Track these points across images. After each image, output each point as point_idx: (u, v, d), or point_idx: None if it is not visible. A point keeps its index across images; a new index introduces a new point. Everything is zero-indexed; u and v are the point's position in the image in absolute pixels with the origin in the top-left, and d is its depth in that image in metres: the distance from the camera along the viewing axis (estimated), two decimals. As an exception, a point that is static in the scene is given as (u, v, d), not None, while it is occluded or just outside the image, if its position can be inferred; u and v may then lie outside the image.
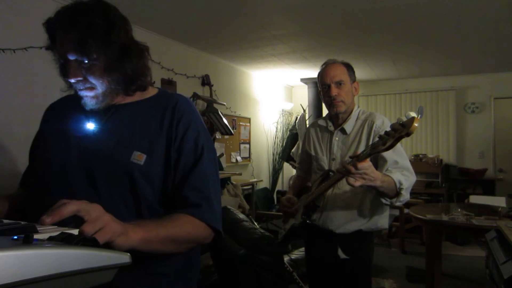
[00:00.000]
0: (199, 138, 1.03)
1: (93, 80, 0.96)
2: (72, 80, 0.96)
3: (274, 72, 5.95)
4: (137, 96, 1.07)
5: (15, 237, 0.58)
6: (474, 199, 3.90)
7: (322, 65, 1.87)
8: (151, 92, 1.10)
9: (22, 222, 0.72)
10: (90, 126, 1.01)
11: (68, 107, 1.10)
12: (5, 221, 0.73)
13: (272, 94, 6.46)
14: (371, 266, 1.86)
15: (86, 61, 0.93)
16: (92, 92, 0.98)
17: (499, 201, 3.42)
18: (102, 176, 0.96)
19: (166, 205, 1.00)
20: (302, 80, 6.37)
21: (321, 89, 1.86)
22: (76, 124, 1.02)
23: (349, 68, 1.85)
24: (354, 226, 1.76)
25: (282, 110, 6.48)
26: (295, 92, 7.27)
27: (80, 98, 1.00)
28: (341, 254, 1.76)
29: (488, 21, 3.66)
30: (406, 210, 4.66)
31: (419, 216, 3.14)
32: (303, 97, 6.70)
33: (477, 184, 5.91)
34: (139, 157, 0.96)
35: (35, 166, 1.12)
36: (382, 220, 1.81)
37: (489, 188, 5.79)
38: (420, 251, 4.61)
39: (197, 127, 1.05)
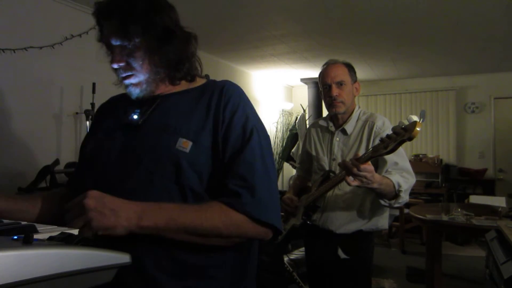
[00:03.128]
0: (247, 122, 0.95)
1: (135, 64, 0.94)
2: (115, 66, 0.94)
3: (274, 72, 5.95)
4: (184, 86, 1.03)
5: (15, 237, 0.58)
6: (474, 199, 3.90)
7: (323, 65, 1.88)
8: (199, 82, 1.05)
9: (22, 222, 0.72)
10: (136, 117, 0.98)
11: (116, 105, 1.08)
12: (5, 221, 0.73)
13: (272, 94, 6.46)
14: (371, 266, 1.86)
15: (128, 46, 0.93)
16: (135, 79, 0.96)
17: (499, 201, 3.42)
18: (144, 166, 0.91)
19: (213, 195, 0.92)
20: (302, 80, 6.37)
21: (322, 89, 1.86)
22: (122, 118, 1.00)
23: (350, 69, 1.85)
24: (355, 227, 1.76)
25: (282, 110, 6.47)
26: (295, 92, 7.27)
27: (126, 94, 0.99)
28: (341, 254, 1.76)
29: (488, 21, 3.66)
30: (406, 210, 4.65)
31: (419, 216, 3.14)
32: (303, 97, 6.69)
33: (477, 184, 5.91)
34: (184, 144, 0.90)
35: (82, 165, 1.07)
36: (382, 221, 1.81)
37: (489, 188, 5.79)
38: (420, 251, 4.61)
39: (245, 110, 0.97)
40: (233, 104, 0.96)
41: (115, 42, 0.93)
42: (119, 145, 0.95)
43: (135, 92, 0.97)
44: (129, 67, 0.95)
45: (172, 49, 0.96)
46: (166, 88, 1.01)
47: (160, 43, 0.95)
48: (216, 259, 0.92)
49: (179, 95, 1.01)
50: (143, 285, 0.85)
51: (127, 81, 0.97)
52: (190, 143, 0.90)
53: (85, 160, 1.04)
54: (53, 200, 1.05)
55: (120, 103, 1.06)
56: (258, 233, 0.90)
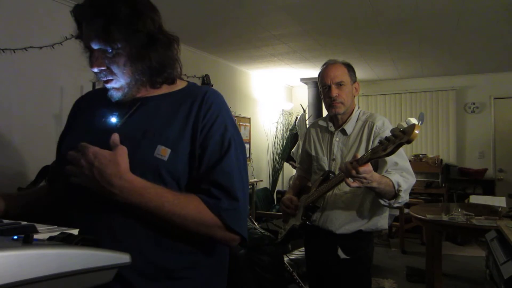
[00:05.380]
0: (226, 132, 0.96)
1: (116, 70, 0.93)
2: (95, 70, 0.93)
3: (274, 72, 5.95)
4: (165, 89, 1.02)
5: (15, 237, 0.58)
6: (474, 199, 3.90)
7: (323, 66, 1.87)
8: (180, 85, 1.05)
9: (22, 222, 0.72)
10: (115, 120, 0.97)
11: (94, 101, 1.07)
12: (5, 221, 0.73)
13: (272, 94, 6.47)
14: (371, 266, 1.86)
15: (110, 50, 0.91)
16: (116, 83, 0.95)
17: (499, 201, 3.42)
18: None
19: None
20: (302, 80, 6.37)
21: (322, 90, 1.86)
22: (101, 118, 0.99)
23: (350, 69, 1.84)
24: (354, 227, 1.76)
25: (282, 110, 6.48)
26: (295, 92, 7.27)
27: (106, 91, 0.98)
28: (341, 254, 1.76)
29: (488, 21, 3.66)
30: (406, 210, 4.66)
31: (419, 216, 3.14)
32: (303, 97, 6.70)
33: (477, 184, 5.91)
34: (163, 152, 0.91)
35: (60, 162, 1.08)
36: (382, 221, 1.81)
37: (489, 188, 5.79)
38: (420, 251, 4.62)
39: (225, 120, 0.98)
40: (213, 113, 0.97)
41: (96, 46, 0.92)
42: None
43: (116, 95, 0.97)
44: (110, 71, 0.94)
45: (155, 55, 0.95)
46: (146, 91, 1.00)
47: (144, 49, 0.93)
48: (188, 261, 0.94)
49: (159, 98, 1.00)
50: (118, 286, 0.85)
51: (108, 85, 0.96)
52: (168, 151, 0.91)
53: (63, 158, 1.03)
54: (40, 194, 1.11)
55: (98, 101, 1.04)
56: (225, 238, 0.93)
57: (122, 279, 0.84)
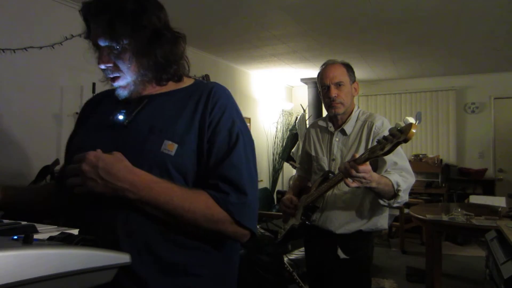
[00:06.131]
0: (234, 127, 0.95)
1: (123, 66, 0.94)
2: (102, 66, 0.94)
3: (274, 72, 5.95)
4: (171, 86, 1.02)
5: (15, 237, 0.58)
6: (474, 199, 3.90)
7: (322, 66, 1.87)
8: (187, 82, 1.05)
9: (22, 222, 0.72)
10: (122, 117, 0.98)
11: (103, 101, 1.08)
12: (5, 221, 0.73)
13: (272, 94, 6.46)
14: (371, 266, 1.86)
15: (117, 47, 0.92)
16: (123, 81, 0.96)
17: (499, 201, 3.42)
18: None
19: None
20: (302, 80, 6.37)
21: (321, 90, 1.86)
22: (109, 117, 0.99)
23: (349, 69, 1.84)
24: (354, 227, 1.76)
25: (282, 110, 6.48)
26: (295, 92, 7.27)
27: (113, 91, 0.99)
28: (341, 254, 1.76)
29: (488, 21, 3.66)
30: (406, 210, 4.66)
31: (419, 216, 3.14)
32: (303, 97, 6.70)
33: (477, 184, 5.91)
34: (169, 147, 0.90)
35: (69, 161, 1.09)
36: (382, 221, 1.81)
37: (489, 188, 5.79)
38: (420, 251, 4.61)
39: (232, 114, 0.97)
40: (220, 107, 0.96)
41: (103, 43, 0.93)
42: (104, 146, 0.93)
43: (123, 93, 0.98)
44: (116, 68, 0.95)
45: (161, 51, 0.96)
46: (153, 89, 1.01)
47: (149, 45, 0.94)
48: (198, 258, 0.94)
49: (166, 96, 1.01)
50: (131, 284, 0.85)
51: (115, 83, 0.97)
52: (175, 146, 0.91)
53: (71, 158, 1.04)
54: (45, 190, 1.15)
55: (106, 100, 1.06)
56: (235, 233, 0.92)
57: (132, 275, 0.85)
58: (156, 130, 0.93)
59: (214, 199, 0.89)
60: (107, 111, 1.01)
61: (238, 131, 0.96)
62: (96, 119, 1.04)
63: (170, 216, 0.87)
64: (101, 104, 1.08)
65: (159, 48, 0.95)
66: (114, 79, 0.96)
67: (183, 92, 1.01)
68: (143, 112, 0.98)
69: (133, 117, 0.97)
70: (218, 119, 0.95)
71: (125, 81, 0.96)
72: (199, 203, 0.88)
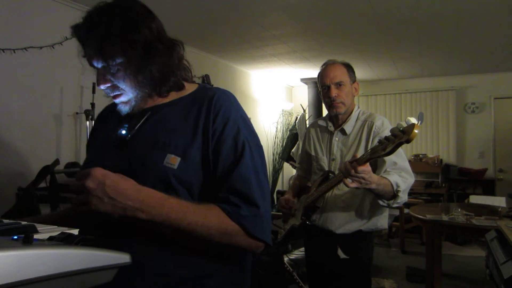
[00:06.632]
0: (239, 135, 0.92)
1: (121, 85, 0.93)
2: (102, 87, 0.94)
3: (274, 72, 5.95)
4: (173, 95, 1.00)
5: (15, 237, 0.58)
6: (474, 199, 3.90)
7: (322, 66, 1.88)
8: (189, 89, 1.02)
9: (22, 222, 0.72)
10: (125, 132, 0.97)
11: (110, 115, 1.08)
12: (5, 221, 0.73)
13: (272, 94, 6.46)
14: (371, 266, 1.86)
15: (111, 67, 0.91)
16: (124, 97, 0.95)
17: (499, 201, 3.42)
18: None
19: None
20: (302, 80, 6.37)
21: (321, 90, 1.86)
22: (113, 131, 0.99)
23: (349, 69, 1.85)
24: (354, 227, 1.76)
25: (282, 110, 6.48)
26: (295, 92, 7.27)
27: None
28: (341, 254, 1.76)
29: (488, 21, 3.66)
30: (406, 210, 4.66)
31: (419, 216, 3.14)
32: (303, 97, 6.70)
33: (477, 184, 5.91)
34: (172, 160, 0.88)
35: None
36: (382, 220, 1.81)
37: (489, 188, 5.79)
38: (420, 251, 4.61)
39: (237, 122, 0.94)
40: (223, 115, 0.94)
41: (97, 64, 0.92)
42: (111, 162, 0.93)
43: (125, 109, 0.97)
44: (115, 87, 0.94)
45: (156, 66, 0.93)
46: (155, 101, 0.99)
47: (143, 59, 0.92)
48: (207, 269, 0.92)
49: (169, 106, 0.99)
50: None
51: (116, 100, 0.97)
52: (178, 159, 0.89)
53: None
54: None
55: (113, 114, 1.05)
56: (250, 245, 0.90)
57: None
58: (159, 144, 0.92)
59: (226, 213, 0.87)
60: (112, 127, 1.01)
61: (244, 140, 0.93)
62: (102, 136, 1.04)
63: (183, 233, 0.84)
64: (109, 117, 1.08)
65: (154, 64, 0.93)
66: (115, 96, 0.96)
67: (185, 100, 0.99)
68: (146, 126, 0.97)
69: (135, 131, 0.96)
70: (222, 128, 0.92)
71: (127, 98, 0.96)
72: (212, 218, 0.85)
